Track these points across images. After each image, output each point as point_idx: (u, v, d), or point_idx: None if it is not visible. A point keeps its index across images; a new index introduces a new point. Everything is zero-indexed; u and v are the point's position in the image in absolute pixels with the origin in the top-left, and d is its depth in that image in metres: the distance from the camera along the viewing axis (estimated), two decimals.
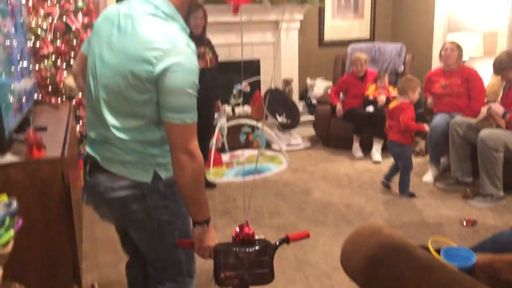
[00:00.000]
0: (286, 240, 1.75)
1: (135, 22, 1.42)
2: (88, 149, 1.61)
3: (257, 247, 1.60)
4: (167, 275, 1.71)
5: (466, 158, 3.74)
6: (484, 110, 3.63)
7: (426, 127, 3.68)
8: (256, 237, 1.62)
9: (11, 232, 1.48)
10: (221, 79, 4.02)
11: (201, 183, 1.49)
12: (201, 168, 1.47)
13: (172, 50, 1.38)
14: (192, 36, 3.52)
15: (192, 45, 1.45)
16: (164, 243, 1.63)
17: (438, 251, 1.66)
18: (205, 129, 3.83)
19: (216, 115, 4.51)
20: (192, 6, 3.46)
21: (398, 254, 1.53)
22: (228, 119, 4.61)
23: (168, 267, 1.70)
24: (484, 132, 3.40)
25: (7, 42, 2.42)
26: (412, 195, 3.64)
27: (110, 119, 1.49)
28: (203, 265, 2.47)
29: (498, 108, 3.46)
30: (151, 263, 1.72)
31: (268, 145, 5.08)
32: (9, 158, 2.06)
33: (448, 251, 1.65)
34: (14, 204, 1.52)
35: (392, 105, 3.73)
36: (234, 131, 4.72)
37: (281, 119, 5.00)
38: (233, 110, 5.04)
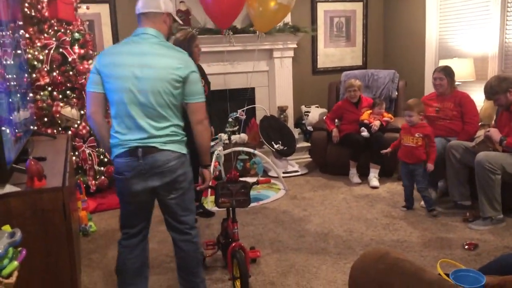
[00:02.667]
0: (256, 183, 2.84)
1: (152, 46, 2.15)
2: (133, 143, 2.11)
3: (240, 184, 2.69)
4: (189, 225, 2.29)
5: (464, 181, 3.75)
6: (479, 133, 3.67)
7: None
8: (240, 179, 2.73)
9: (15, 263, 1.45)
10: (215, 107, 4.05)
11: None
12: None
13: (188, 61, 2.19)
14: None
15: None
16: (190, 195, 2.29)
17: (446, 274, 1.65)
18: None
19: (212, 143, 4.52)
20: (192, 36, 3.54)
21: (408, 277, 1.52)
22: (225, 147, 4.61)
23: (190, 217, 2.30)
24: (481, 155, 3.43)
25: (6, 74, 2.43)
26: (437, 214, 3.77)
27: (155, 121, 2.14)
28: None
29: (495, 134, 3.47)
30: (179, 218, 2.26)
31: (265, 173, 5.07)
32: (9, 188, 2.04)
33: (457, 274, 1.64)
34: (18, 234, 1.50)
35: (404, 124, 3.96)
36: (231, 159, 4.72)
37: (277, 146, 5.01)
38: (229, 138, 5.05)
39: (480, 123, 4.06)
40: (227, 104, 5.14)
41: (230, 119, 4.91)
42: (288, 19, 5.41)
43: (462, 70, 4.55)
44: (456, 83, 4.32)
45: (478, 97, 4.51)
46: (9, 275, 1.44)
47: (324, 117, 5.18)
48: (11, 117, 2.38)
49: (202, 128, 2.21)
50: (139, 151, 2.10)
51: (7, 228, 1.55)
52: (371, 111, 4.80)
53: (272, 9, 4.33)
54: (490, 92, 3.51)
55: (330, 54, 5.99)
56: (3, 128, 2.09)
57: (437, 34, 5.26)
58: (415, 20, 5.55)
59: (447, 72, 4.09)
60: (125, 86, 2.09)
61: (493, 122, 3.89)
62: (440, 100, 4.15)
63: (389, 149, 4.07)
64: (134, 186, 2.15)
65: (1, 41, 2.38)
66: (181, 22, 2.43)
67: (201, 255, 2.40)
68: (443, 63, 4.61)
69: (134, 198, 2.20)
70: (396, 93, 5.23)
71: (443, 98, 4.14)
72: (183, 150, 2.20)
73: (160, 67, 2.09)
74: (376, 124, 4.63)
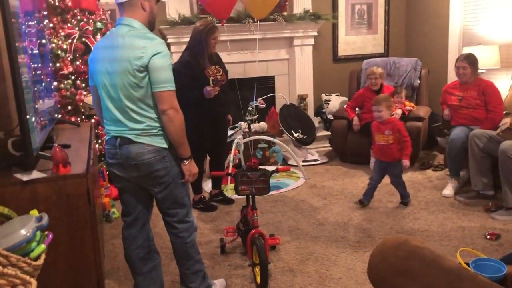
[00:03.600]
0: (276, 171, 2.85)
1: (122, 38, 2.06)
2: (114, 133, 2.14)
3: (259, 172, 2.73)
4: (179, 218, 2.28)
5: (487, 171, 3.70)
6: (504, 121, 3.60)
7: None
8: (259, 167, 2.77)
9: (43, 246, 1.50)
10: (234, 96, 4.07)
11: (184, 129, 2.13)
12: (183, 119, 2.11)
13: (151, 47, 2.03)
14: (206, 55, 3.53)
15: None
16: (177, 190, 2.23)
17: (466, 263, 1.64)
18: (220, 144, 3.85)
19: (232, 132, 4.55)
20: (210, 28, 3.49)
21: (427, 265, 1.51)
22: (244, 135, 4.63)
23: (180, 210, 2.27)
24: (505, 144, 3.37)
25: (32, 64, 2.48)
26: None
27: (129, 115, 2.09)
28: (212, 236, 2.97)
29: None
30: (166, 211, 2.27)
31: (285, 161, 5.08)
32: (36, 174, 2.10)
33: (478, 262, 1.63)
34: (46, 218, 1.55)
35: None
36: (250, 147, 4.74)
37: (297, 135, 5.01)
38: (249, 126, 5.07)
39: (504, 112, 3.97)
40: (247, 92, 5.15)
41: (249, 108, 4.92)
42: (308, 6, 5.37)
43: (487, 58, 4.46)
44: (480, 70, 4.23)
45: (502, 85, 4.41)
46: (37, 258, 1.49)
47: (344, 106, 5.15)
48: (36, 106, 2.44)
49: (166, 118, 2.07)
50: (117, 141, 2.13)
51: (34, 212, 1.61)
52: (392, 99, 4.74)
53: None
54: None
55: (351, 41, 5.92)
56: (29, 117, 2.14)
57: (461, 21, 5.15)
58: (439, 6, 5.43)
59: (471, 60, 4.01)
60: (101, 81, 2.12)
61: None
62: (463, 89, 4.08)
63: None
64: (117, 172, 2.20)
65: (27, 31, 2.43)
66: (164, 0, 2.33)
67: (192, 248, 2.35)
68: (467, 50, 4.52)
69: (119, 183, 2.24)
70: (419, 82, 5.15)
71: (466, 86, 4.06)
72: (162, 143, 2.14)
73: (123, 59, 2.03)
74: (397, 112, 4.58)
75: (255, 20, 4.89)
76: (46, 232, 1.61)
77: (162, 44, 2.06)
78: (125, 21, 2.11)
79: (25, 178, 2.05)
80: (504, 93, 4.18)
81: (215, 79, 3.60)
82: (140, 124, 2.09)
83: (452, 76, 5.03)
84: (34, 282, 1.39)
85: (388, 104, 3.66)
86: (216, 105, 3.57)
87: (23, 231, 1.48)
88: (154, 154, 2.11)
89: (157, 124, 2.12)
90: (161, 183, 2.18)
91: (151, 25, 2.18)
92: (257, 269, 2.62)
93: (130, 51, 2.02)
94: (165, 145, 2.15)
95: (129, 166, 2.13)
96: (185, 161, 2.20)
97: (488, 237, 3.11)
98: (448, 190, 3.95)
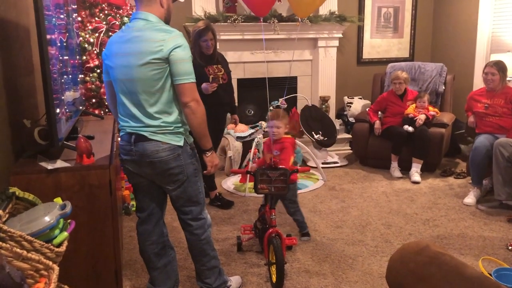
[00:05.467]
0: (296, 171, 2.82)
1: (139, 32, 2.04)
2: (129, 129, 2.12)
3: (279, 171, 2.67)
4: (193, 215, 2.28)
5: (511, 180, 3.62)
6: None
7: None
8: (279, 166, 2.68)
9: (65, 234, 1.53)
10: (254, 95, 4.07)
11: (205, 121, 2.13)
12: (204, 111, 2.11)
13: (170, 40, 2.01)
14: (204, 56, 3.60)
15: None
16: (192, 188, 2.23)
17: (488, 273, 1.62)
18: (214, 141, 3.86)
19: (252, 131, 4.55)
20: (200, 30, 3.55)
21: (448, 272, 1.49)
22: (265, 135, 4.63)
23: (194, 208, 2.28)
24: None
25: (60, 56, 2.53)
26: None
27: (145, 110, 2.07)
28: (229, 233, 2.97)
29: None
30: (181, 209, 2.28)
31: (304, 162, 5.07)
32: (60, 163, 2.14)
33: (500, 272, 1.60)
34: (69, 206, 1.58)
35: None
36: None
37: (317, 136, 4.99)
38: None
39: None
40: (270, 92, 5.15)
41: (271, 107, 4.92)
42: (334, 7, 5.34)
43: None
44: (508, 78, 4.15)
45: None
46: (59, 245, 1.52)
47: (367, 109, 5.11)
48: (62, 97, 2.49)
49: (188, 111, 2.05)
50: (132, 138, 2.11)
51: (58, 200, 1.64)
52: (415, 104, 4.69)
53: None
54: None
55: (376, 45, 5.87)
56: (56, 108, 2.18)
57: (490, 27, 5.05)
58: (467, 12, 5.34)
59: (500, 67, 3.94)
60: (116, 75, 2.10)
61: None
62: (490, 96, 4.01)
63: None
64: (131, 168, 2.19)
65: (57, 24, 2.48)
66: (181, 0, 2.29)
67: (207, 244, 2.36)
68: (494, 57, 4.43)
69: (133, 179, 2.24)
70: (443, 87, 5.08)
71: (493, 94, 3.99)
72: (178, 141, 2.12)
73: (141, 52, 2.01)
74: (421, 118, 4.52)
75: (278, 21, 4.89)
76: (69, 220, 1.64)
77: (181, 37, 2.05)
78: (142, 15, 2.09)
79: (49, 166, 2.09)
80: None
81: (215, 76, 3.65)
82: (156, 121, 2.07)
83: (478, 83, 4.94)
84: (56, 268, 1.42)
85: (286, 122, 3.21)
86: (214, 103, 3.56)
87: (47, 218, 1.51)
88: (169, 152, 2.10)
89: (173, 121, 2.10)
90: (176, 180, 2.17)
91: (166, 23, 2.16)
92: (273, 269, 2.62)
93: (148, 44, 2.00)
94: (181, 143, 2.13)
95: (144, 163, 2.12)
96: (207, 152, 2.21)
97: (510, 248, 3.05)
98: (470, 199, 3.88)
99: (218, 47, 5.13)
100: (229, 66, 3.88)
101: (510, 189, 3.62)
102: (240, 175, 4.32)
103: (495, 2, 4.98)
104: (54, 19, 2.41)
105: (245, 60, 5.36)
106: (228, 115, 4.01)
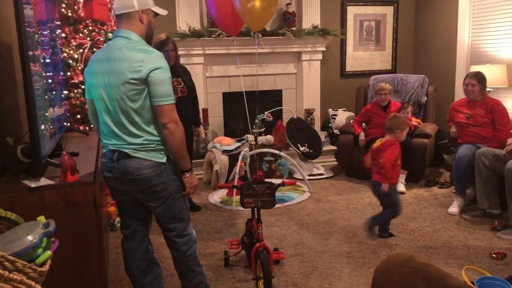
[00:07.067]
0: (282, 185, 2.81)
1: (119, 51, 2.03)
2: (111, 146, 2.10)
3: (265, 185, 2.68)
4: (178, 232, 2.27)
5: (493, 189, 3.68)
6: (510, 140, 3.59)
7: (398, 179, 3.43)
8: (265, 180, 2.73)
9: (49, 253, 1.51)
10: (241, 109, 4.09)
11: (184, 142, 2.12)
12: (183, 132, 2.10)
13: (150, 61, 2.00)
14: None
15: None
16: (176, 205, 2.21)
17: (472, 282, 1.64)
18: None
19: (238, 144, 4.55)
20: (162, 41, 3.58)
21: (432, 282, 1.51)
22: (251, 148, 4.65)
23: (178, 225, 2.26)
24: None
25: (44, 72, 2.52)
26: (391, 235, 3.47)
27: (126, 129, 2.06)
28: (217, 248, 2.96)
29: None
30: (165, 226, 2.26)
31: (291, 175, 5.08)
32: (44, 181, 2.12)
33: (483, 281, 1.62)
34: (53, 225, 1.56)
35: (376, 145, 3.54)
36: (256, 160, 4.75)
37: (303, 148, 5.02)
38: (255, 139, 5.09)
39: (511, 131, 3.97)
40: (255, 105, 5.18)
41: (257, 121, 4.94)
42: (317, 21, 5.42)
43: (494, 76, 4.47)
44: (488, 89, 4.24)
45: (510, 104, 4.41)
46: (42, 264, 1.50)
47: (351, 121, 5.16)
48: (46, 114, 2.48)
49: (167, 132, 2.04)
50: (115, 155, 2.09)
51: (42, 218, 1.62)
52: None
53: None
54: None
55: (359, 57, 5.96)
56: (39, 124, 2.17)
57: (469, 39, 5.17)
58: (447, 24, 5.46)
59: (480, 78, 4.02)
60: (98, 94, 2.08)
61: None
62: (470, 107, 4.09)
63: None
64: (114, 186, 2.17)
65: (40, 40, 2.47)
66: (164, 13, 2.22)
67: (193, 261, 2.33)
68: (474, 68, 4.53)
69: (117, 196, 2.22)
70: (425, 98, 5.16)
71: (474, 104, 4.07)
72: (161, 158, 2.10)
73: (120, 72, 2.00)
74: None
75: (262, 35, 4.94)
76: (52, 239, 1.62)
77: (160, 58, 2.04)
78: (123, 33, 2.08)
79: (33, 184, 2.07)
80: (511, 112, 4.18)
81: (173, 89, 3.67)
82: (138, 139, 2.06)
83: (459, 94, 5.04)
84: None
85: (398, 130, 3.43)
86: None
87: (29, 237, 1.49)
88: (152, 169, 2.08)
89: (155, 138, 2.09)
90: (159, 198, 2.15)
91: (148, 38, 2.15)
92: (261, 283, 2.61)
93: (127, 63, 1.99)
94: (163, 160, 2.11)
95: (127, 180, 2.10)
96: (186, 173, 2.19)
97: (493, 256, 3.09)
98: (454, 208, 3.93)
99: (202, 61, 5.19)
100: (192, 79, 3.93)
101: (493, 197, 3.68)
102: (227, 189, 4.32)
103: (473, 16, 5.10)
104: (37, 35, 2.41)
105: (230, 74, 5.39)
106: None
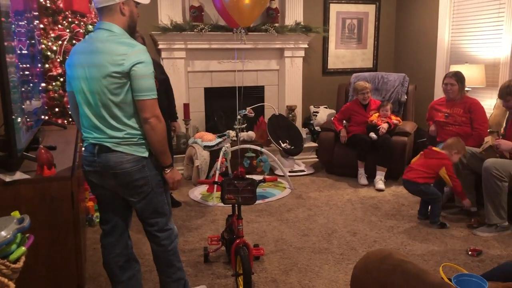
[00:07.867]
0: (263, 181, 2.80)
1: (102, 43, 2.00)
2: (92, 140, 2.07)
3: (246, 181, 2.67)
4: (160, 227, 2.24)
5: (470, 188, 3.74)
6: (487, 139, 3.66)
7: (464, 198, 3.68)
8: (246, 176, 2.70)
9: (23, 249, 1.48)
10: (223, 105, 4.07)
11: (165, 138, 2.10)
12: (165, 127, 2.08)
13: (133, 55, 1.97)
14: None
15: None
16: (157, 199, 2.19)
17: (449, 278, 1.66)
18: None
19: (220, 140, 4.54)
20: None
21: (411, 279, 1.53)
22: (232, 144, 4.63)
23: (160, 219, 2.24)
24: (489, 161, 3.42)
25: (20, 64, 2.46)
26: (443, 225, 3.61)
27: (107, 122, 2.03)
28: (196, 244, 2.97)
29: (506, 145, 3.46)
30: (146, 221, 2.23)
31: (272, 171, 5.09)
32: (19, 175, 2.07)
33: (460, 278, 1.64)
34: (27, 220, 1.52)
35: (434, 148, 3.78)
36: (238, 156, 4.74)
37: (284, 145, 5.02)
38: (237, 135, 5.07)
39: (489, 130, 4.04)
40: (236, 101, 5.17)
41: (238, 117, 4.93)
42: (300, 18, 5.42)
43: (473, 76, 4.54)
44: (466, 89, 4.30)
45: (488, 103, 4.49)
46: (16, 260, 1.47)
47: (332, 118, 5.19)
48: (23, 106, 2.42)
49: (148, 127, 2.02)
50: (96, 148, 2.06)
51: (16, 214, 1.58)
52: (378, 113, 4.80)
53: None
54: (506, 91, 3.50)
55: (340, 55, 5.99)
56: (15, 117, 2.12)
57: (449, 39, 5.24)
58: (428, 24, 5.53)
59: (458, 77, 4.08)
60: (79, 86, 2.05)
61: (502, 129, 3.88)
62: (449, 106, 4.15)
63: None
64: (94, 180, 2.13)
65: (17, 31, 2.41)
66: (145, 2, 2.16)
67: (174, 255, 2.31)
68: (454, 68, 4.59)
69: (96, 190, 2.18)
70: (406, 97, 5.22)
71: (452, 103, 4.13)
72: (143, 152, 2.08)
73: (102, 64, 1.97)
74: (384, 127, 4.63)
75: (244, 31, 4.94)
76: (27, 235, 1.59)
77: (143, 52, 2.02)
78: (105, 25, 2.04)
79: (7, 178, 2.02)
80: (489, 111, 4.26)
81: None
82: (119, 132, 2.03)
83: (438, 93, 5.10)
84: (12, 285, 1.37)
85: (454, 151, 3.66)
86: None
87: (3, 233, 1.45)
88: (133, 164, 2.05)
89: (137, 132, 2.06)
90: (140, 192, 2.12)
91: (131, 29, 2.11)
92: (240, 279, 2.61)
93: (110, 56, 1.96)
94: (145, 154, 2.08)
95: (107, 174, 2.07)
96: (166, 169, 2.15)
97: (470, 253, 3.14)
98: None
99: (184, 56, 5.14)
100: (165, 72, 3.88)
101: (470, 196, 3.74)
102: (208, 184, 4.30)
103: (453, 16, 5.17)
104: (13, 25, 2.35)
105: (212, 69, 5.36)
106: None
